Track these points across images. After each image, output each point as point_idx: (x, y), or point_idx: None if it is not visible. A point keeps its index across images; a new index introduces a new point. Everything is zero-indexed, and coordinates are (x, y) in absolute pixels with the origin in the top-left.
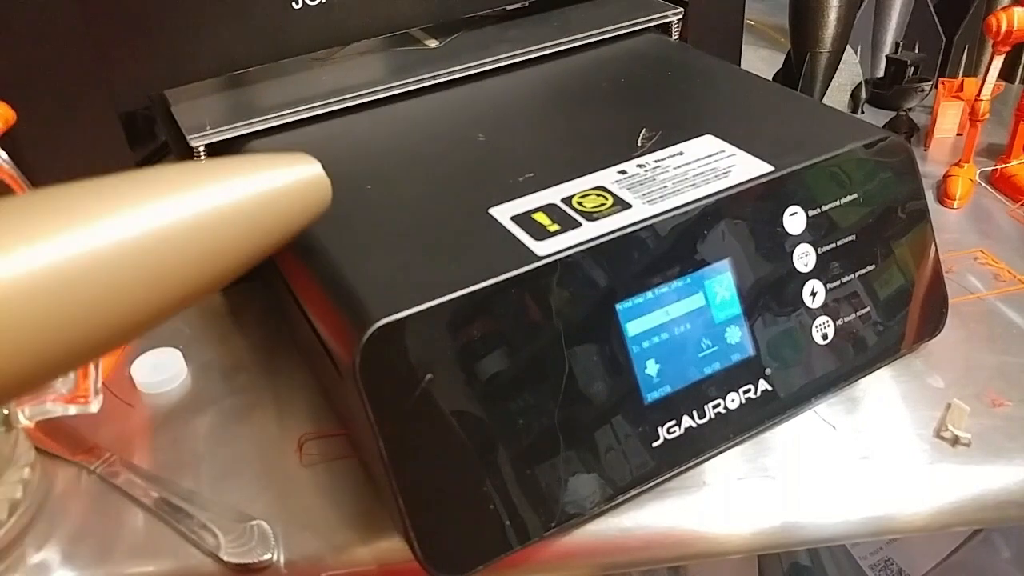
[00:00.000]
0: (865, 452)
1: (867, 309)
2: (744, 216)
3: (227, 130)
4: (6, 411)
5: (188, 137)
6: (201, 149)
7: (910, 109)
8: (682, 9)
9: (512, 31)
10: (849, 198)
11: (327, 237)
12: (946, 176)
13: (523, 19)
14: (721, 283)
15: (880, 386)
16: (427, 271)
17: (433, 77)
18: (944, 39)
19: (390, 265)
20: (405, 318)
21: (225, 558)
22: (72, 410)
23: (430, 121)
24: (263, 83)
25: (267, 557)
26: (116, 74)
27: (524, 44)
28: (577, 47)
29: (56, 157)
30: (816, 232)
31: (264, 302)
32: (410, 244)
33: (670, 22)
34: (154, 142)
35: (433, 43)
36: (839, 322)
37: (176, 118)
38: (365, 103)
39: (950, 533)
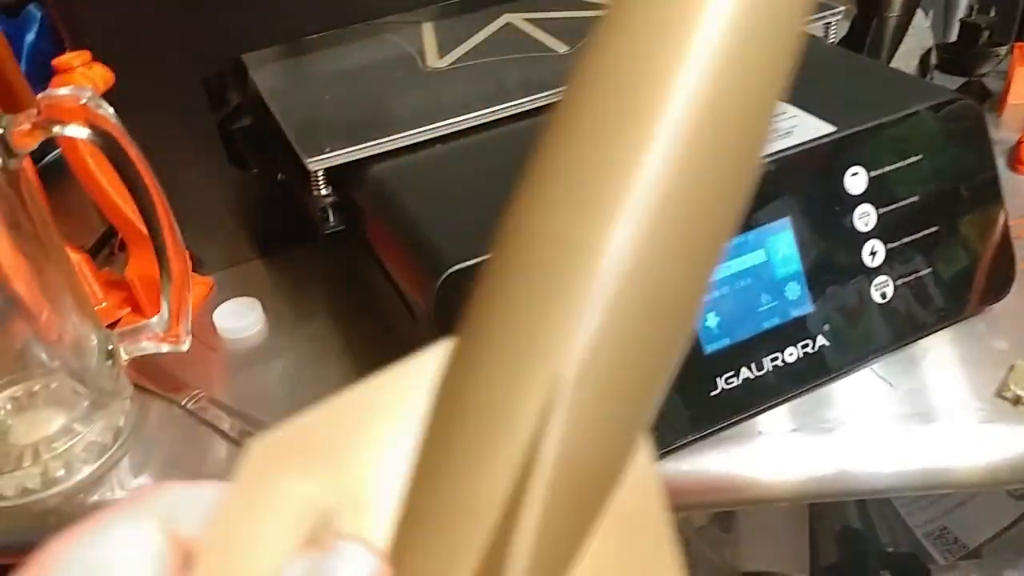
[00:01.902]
0: (922, 409)
1: (928, 271)
2: (806, 175)
3: (348, 153)
4: (111, 345)
5: (306, 161)
6: (320, 175)
7: (983, 75)
8: (843, 8)
9: None
10: (913, 160)
11: (407, 191)
12: (1019, 142)
13: None
14: (782, 240)
15: (940, 347)
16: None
17: None
18: (1021, 1)
19: (467, 217)
20: (479, 263)
21: None
22: (165, 348)
23: None
24: (375, 90)
25: None
26: (199, 37)
27: None
28: None
29: (146, 120)
30: (878, 193)
31: (331, 258)
32: (488, 200)
33: (828, 23)
34: (227, 107)
35: (563, 48)
36: (899, 283)
37: (285, 131)
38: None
39: (1009, 505)
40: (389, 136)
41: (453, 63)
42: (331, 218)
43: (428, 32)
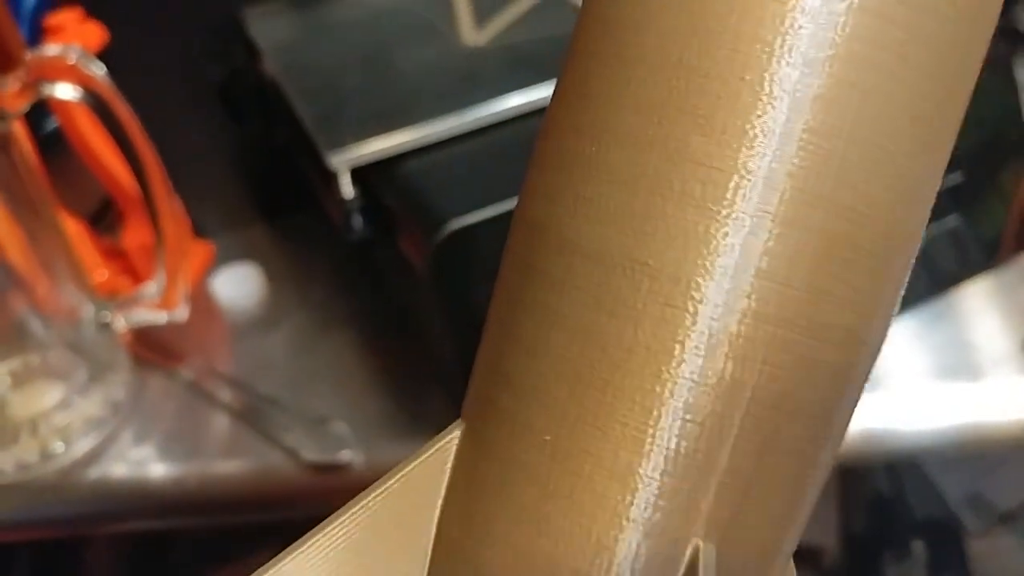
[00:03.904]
0: (953, 365)
1: (953, 220)
2: None
3: (378, 153)
4: (107, 316)
5: (329, 158)
6: (347, 177)
7: (1014, 17)
8: None
9: None
10: None
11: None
12: None
13: None
14: None
15: (971, 299)
16: (503, 180)
17: None
18: None
19: (466, 176)
20: (478, 223)
21: (305, 456)
22: (160, 316)
23: None
24: (404, 70)
25: (345, 456)
26: None
27: None
28: None
29: (143, 78)
30: None
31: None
32: (488, 160)
33: None
34: (228, 65)
35: None
36: (925, 233)
37: (300, 118)
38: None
39: None
40: (423, 128)
41: (494, 39)
42: (356, 222)
43: None
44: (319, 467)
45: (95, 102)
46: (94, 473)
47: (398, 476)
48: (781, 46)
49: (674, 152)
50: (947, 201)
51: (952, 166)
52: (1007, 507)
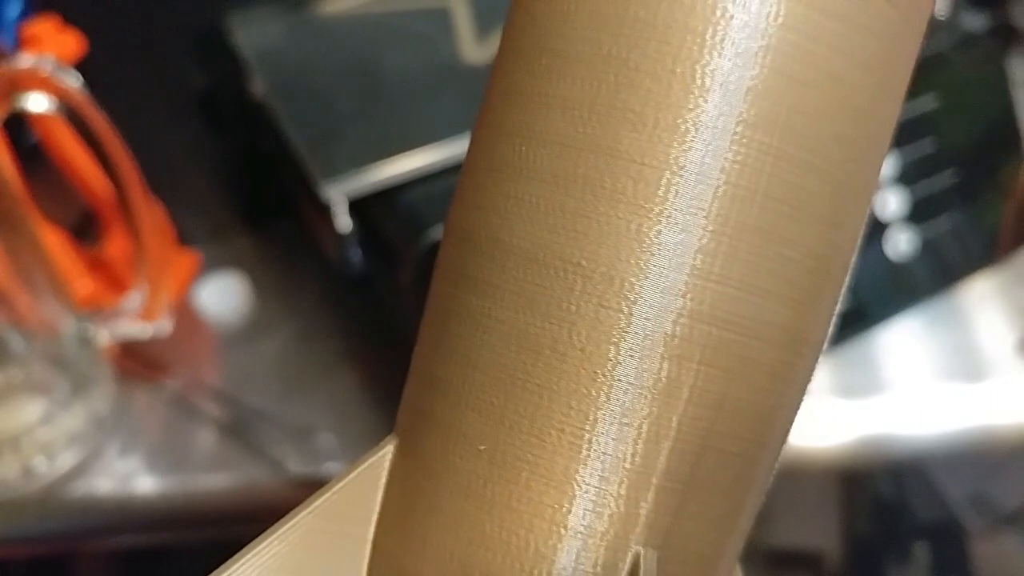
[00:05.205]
0: (955, 367)
1: (951, 219)
2: None
3: (374, 185)
4: (89, 329)
5: (324, 185)
6: (343, 208)
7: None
8: None
9: None
10: (928, 103)
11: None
12: None
13: None
14: None
15: (971, 301)
16: None
17: None
18: None
19: (449, 183)
20: None
21: (292, 468)
22: (143, 328)
23: None
24: (402, 90)
25: (333, 468)
26: None
27: None
28: None
29: (124, 87)
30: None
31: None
32: None
33: None
34: (211, 74)
35: None
36: (920, 232)
37: (292, 144)
38: None
39: None
40: (419, 155)
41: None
42: (353, 254)
43: (459, 4)
44: (306, 479)
45: (70, 113)
46: (79, 488)
47: (328, 493)
48: (712, 36)
49: (605, 149)
50: (945, 197)
51: (948, 162)
52: (1010, 508)
